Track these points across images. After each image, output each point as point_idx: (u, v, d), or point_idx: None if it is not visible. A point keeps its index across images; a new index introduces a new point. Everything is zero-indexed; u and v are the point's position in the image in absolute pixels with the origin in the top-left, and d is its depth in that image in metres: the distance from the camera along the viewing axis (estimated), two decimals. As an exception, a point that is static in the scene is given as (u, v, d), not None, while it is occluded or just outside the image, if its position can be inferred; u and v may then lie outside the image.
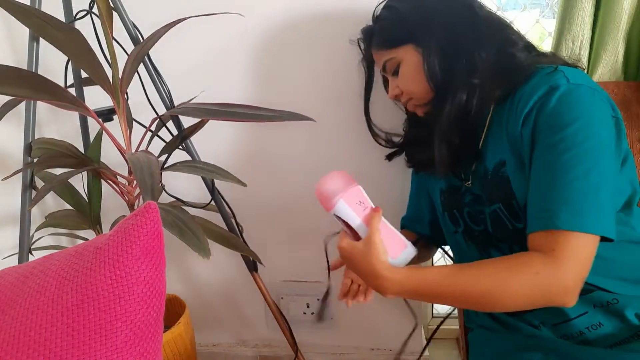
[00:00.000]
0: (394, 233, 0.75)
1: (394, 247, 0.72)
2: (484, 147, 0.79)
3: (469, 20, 0.76)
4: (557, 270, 0.62)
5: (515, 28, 0.81)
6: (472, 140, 0.79)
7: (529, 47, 0.79)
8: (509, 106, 0.74)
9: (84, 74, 1.04)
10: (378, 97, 1.06)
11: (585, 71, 1.01)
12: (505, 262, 0.66)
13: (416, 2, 0.80)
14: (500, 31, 0.78)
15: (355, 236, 0.72)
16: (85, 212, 1.07)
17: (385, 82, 0.96)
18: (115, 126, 0.93)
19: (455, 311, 1.08)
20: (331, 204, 0.71)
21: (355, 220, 0.71)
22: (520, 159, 0.71)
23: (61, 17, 0.91)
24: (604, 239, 0.64)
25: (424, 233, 1.00)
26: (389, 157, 1.07)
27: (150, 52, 0.93)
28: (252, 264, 1.13)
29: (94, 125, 1.04)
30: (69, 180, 0.93)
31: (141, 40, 0.95)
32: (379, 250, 0.68)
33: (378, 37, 0.86)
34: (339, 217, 0.72)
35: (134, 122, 1.03)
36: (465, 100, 0.75)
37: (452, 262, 0.98)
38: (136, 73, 0.91)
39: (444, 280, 0.67)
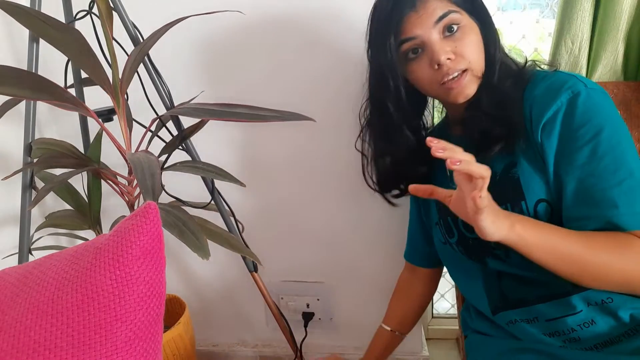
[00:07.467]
0: None
1: None
2: None
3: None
4: None
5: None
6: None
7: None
8: None
9: (84, 74, 1.04)
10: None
11: (585, 71, 1.01)
12: (614, 240, 0.65)
13: None
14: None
15: None
16: (85, 212, 1.07)
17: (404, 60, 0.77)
18: (115, 126, 0.93)
19: (455, 311, 1.08)
20: None
21: None
22: (534, 161, 0.72)
23: (61, 17, 0.91)
24: None
25: (421, 266, 1.01)
26: None
27: (150, 52, 0.93)
28: (252, 264, 1.13)
29: (94, 126, 1.04)
30: (69, 180, 0.93)
31: (141, 40, 0.95)
32: None
33: None
34: None
35: (134, 122, 1.03)
36: None
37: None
38: (136, 73, 0.91)
39: (564, 239, 0.65)
